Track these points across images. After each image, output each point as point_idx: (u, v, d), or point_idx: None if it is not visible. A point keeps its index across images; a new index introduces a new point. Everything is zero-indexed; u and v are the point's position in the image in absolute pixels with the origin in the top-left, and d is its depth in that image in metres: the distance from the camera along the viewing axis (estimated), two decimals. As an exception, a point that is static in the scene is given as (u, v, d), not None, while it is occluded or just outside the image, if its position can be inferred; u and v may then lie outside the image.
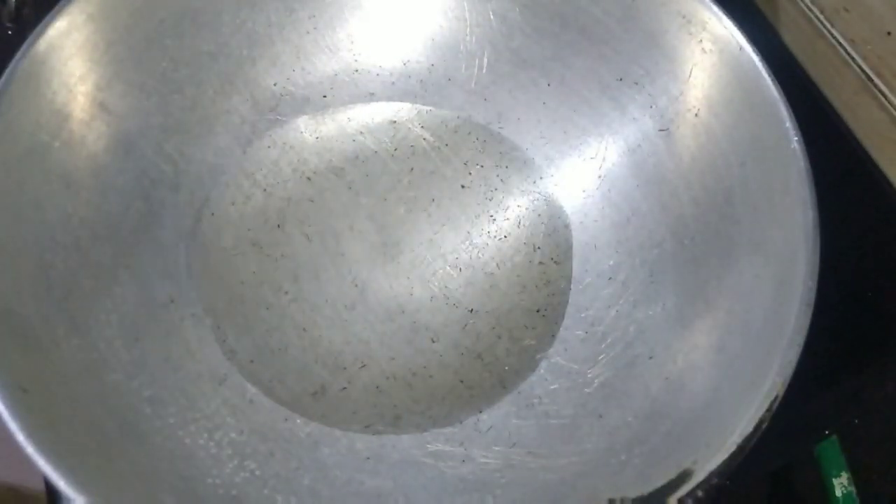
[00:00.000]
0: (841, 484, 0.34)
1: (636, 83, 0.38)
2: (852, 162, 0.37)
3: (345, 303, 0.37)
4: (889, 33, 0.32)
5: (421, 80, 0.42)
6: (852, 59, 0.33)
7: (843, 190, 0.35)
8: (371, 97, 0.42)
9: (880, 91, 0.33)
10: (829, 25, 0.34)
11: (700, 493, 0.26)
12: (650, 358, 0.34)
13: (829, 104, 0.37)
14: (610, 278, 0.38)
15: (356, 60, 0.42)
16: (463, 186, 0.41)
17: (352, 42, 0.42)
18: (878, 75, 0.33)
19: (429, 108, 0.42)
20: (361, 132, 0.42)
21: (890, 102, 0.33)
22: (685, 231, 0.36)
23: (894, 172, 0.35)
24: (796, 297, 0.29)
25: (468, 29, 0.41)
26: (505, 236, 0.39)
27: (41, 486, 0.35)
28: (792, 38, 0.38)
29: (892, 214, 0.36)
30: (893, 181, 0.35)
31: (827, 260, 0.29)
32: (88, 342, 0.30)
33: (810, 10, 0.35)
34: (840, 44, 0.34)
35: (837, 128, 0.37)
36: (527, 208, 0.40)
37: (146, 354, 0.32)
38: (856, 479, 0.34)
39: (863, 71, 0.33)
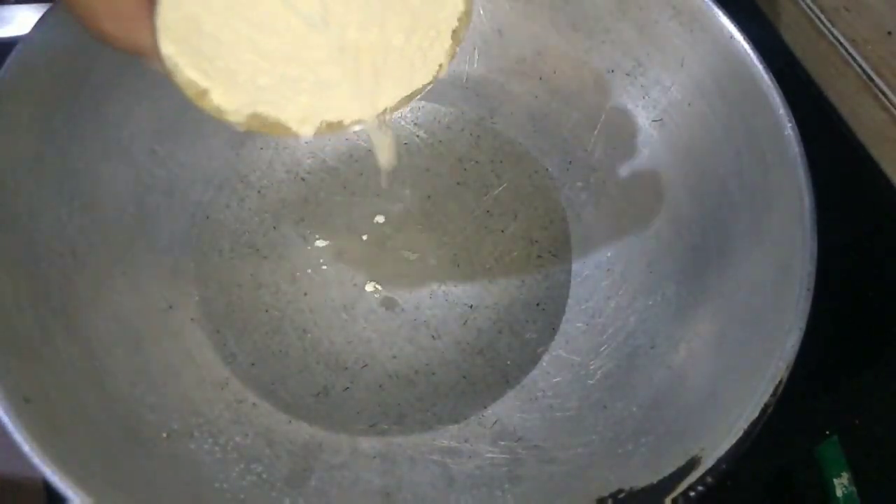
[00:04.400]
0: (842, 484, 0.34)
1: (628, 74, 0.38)
2: (853, 161, 0.37)
3: (344, 302, 0.37)
4: (890, 33, 0.32)
5: (412, 77, 0.42)
6: (853, 58, 0.34)
7: (844, 189, 0.35)
8: (363, 96, 0.42)
9: (881, 91, 0.33)
10: (829, 25, 0.34)
11: (700, 488, 0.26)
12: (652, 348, 0.34)
13: (830, 104, 0.37)
14: (608, 270, 0.38)
15: (346, 59, 0.42)
16: (458, 182, 0.41)
17: (342, 41, 0.42)
18: (879, 75, 0.33)
19: (421, 104, 0.42)
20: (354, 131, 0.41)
21: (890, 102, 0.33)
22: (682, 220, 0.36)
23: (895, 172, 0.35)
24: (796, 281, 0.29)
25: (458, 24, 0.41)
26: (502, 231, 0.39)
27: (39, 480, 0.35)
28: (793, 37, 0.38)
29: (892, 214, 0.36)
30: (894, 181, 0.35)
31: (827, 259, 0.29)
32: (88, 350, 0.30)
33: (811, 10, 0.35)
34: (841, 44, 0.34)
35: (838, 127, 0.37)
36: (523, 202, 0.40)
37: (147, 361, 0.32)
38: (856, 479, 0.34)
39: (863, 71, 0.33)
